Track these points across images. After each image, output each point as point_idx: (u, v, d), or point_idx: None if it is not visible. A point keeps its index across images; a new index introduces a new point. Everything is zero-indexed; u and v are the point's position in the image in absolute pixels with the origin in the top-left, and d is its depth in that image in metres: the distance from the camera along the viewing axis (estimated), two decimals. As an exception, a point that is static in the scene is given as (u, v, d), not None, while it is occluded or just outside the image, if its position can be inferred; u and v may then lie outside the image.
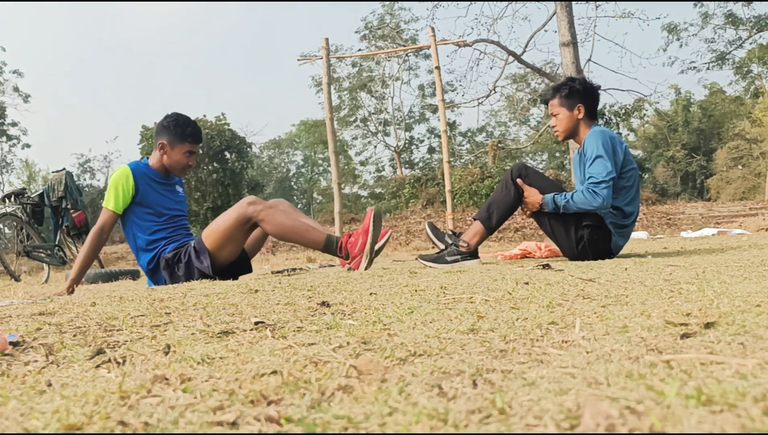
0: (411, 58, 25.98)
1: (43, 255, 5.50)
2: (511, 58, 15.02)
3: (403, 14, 24.15)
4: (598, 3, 15.40)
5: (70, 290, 2.50)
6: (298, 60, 6.96)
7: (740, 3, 20.41)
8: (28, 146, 28.48)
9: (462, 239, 2.74)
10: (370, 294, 1.38)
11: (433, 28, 6.06)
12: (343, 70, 27.41)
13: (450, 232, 2.84)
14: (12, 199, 5.72)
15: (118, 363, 0.76)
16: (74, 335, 0.98)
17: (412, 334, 0.86)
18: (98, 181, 28.41)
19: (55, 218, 5.83)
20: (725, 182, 27.17)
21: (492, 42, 14.78)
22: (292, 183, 40.07)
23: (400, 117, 29.16)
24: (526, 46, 15.16)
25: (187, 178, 19.13)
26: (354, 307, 1.18)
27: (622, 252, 3.11)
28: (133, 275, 4.74)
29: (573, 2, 13.72)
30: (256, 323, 1.02)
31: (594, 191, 2.55)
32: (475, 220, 2.78)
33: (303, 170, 40.54)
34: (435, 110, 26.54)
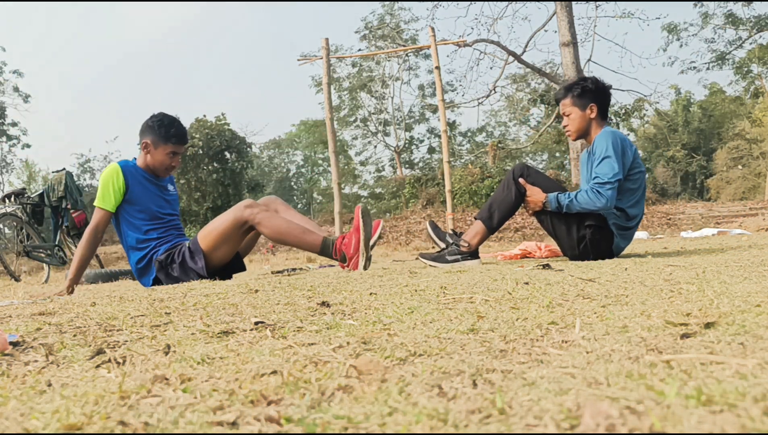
0: (411, 58, 25.99)
1: (43, 255, 5.50)
2: (511, 58, 15.02)
3: (403, 14, 24.17)
4: (598, 3, 15.41)
5: (70, 290, 2.50)
6: (298, 60, 6.95)
7: (740, 3, 20.42)
8: (28, 146, 28.49)
9: (463, 239, 2.74)
10: (370, 294, 1.38)
11: (433, 28, 6.06)
12: (343, 70, 27.43)
13: (451, 232, 2.84)
14: (12, 199, 5.72)
15: (118, 363, 0.76)
16: (74, 335, 0.98)
17: (412, 334, 0.86)
18: (98, 181, 28.40)
19: (55, 218, 5.82)
20: (725, 182, 27.17)
21: (492, 42, 14.78)
22: (292, 183, 40.07)
23: (400, 117, 29.16)
24: (526, 46, 15.17)
25: (187, 178, 19.16)
26: (354, 307, 1.18)
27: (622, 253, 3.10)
28: (133, 275, 4.73)
29: (573, 2, 13.73)
30: (256, 323, 1.02)
31: (598, 191, 2.54)
32: (476, 219, 2.78)
33: (303, 170, 40.54)
34: (435, 110, 26.55)
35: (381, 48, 22.96)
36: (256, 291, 1.58)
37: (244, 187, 20.59)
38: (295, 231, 2.48)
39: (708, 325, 0.79)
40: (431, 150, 32.38)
